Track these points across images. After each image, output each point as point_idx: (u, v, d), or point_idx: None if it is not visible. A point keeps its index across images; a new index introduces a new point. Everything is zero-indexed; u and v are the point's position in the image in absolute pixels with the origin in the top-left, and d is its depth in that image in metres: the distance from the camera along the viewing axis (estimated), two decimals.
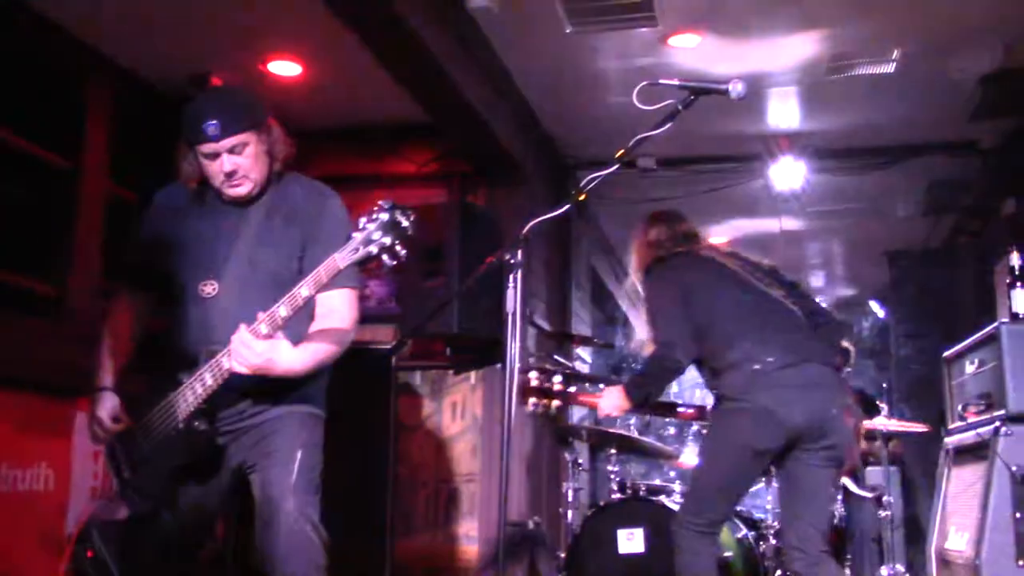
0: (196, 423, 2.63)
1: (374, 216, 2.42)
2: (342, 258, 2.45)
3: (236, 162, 2.68)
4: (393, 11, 4.11)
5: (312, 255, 2.67)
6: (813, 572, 3.16)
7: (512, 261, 2.70)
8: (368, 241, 2.41)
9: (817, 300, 3.56)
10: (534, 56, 5.33)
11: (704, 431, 3.74)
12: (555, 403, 3.43)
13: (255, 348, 2.49)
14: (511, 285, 2.69)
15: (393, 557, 4.21)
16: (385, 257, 2.42)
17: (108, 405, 2.75)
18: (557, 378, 3.41)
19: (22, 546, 3.83)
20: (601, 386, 3.47)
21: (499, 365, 5.18)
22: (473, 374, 5.86)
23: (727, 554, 4.27)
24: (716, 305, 3.34)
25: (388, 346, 4.53)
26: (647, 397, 3.40)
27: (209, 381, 2.59)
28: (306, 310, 2.69)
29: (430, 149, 6.16)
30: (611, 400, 3.40)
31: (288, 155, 2.83)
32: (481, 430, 5.88)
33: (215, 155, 2.67)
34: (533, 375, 3.39)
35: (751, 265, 3.47)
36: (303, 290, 2.50)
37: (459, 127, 5.44)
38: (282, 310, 2.51)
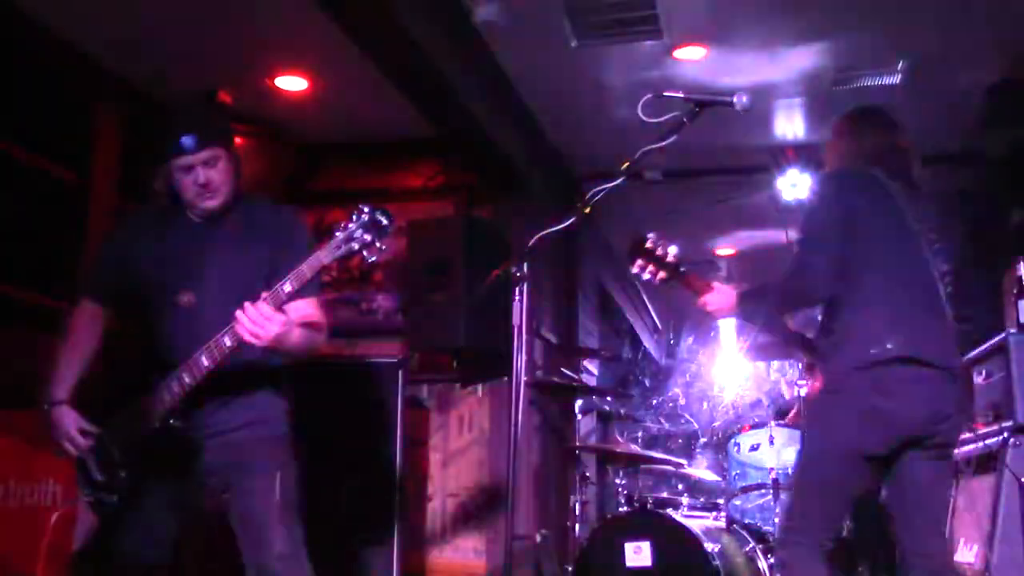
0: (172, 421, 2.72)
1: (355, 217, 2.53)
2: (326, 255, 2.54)
3: (209, 175, 2.81)
4: (398, 25, 4.13)
5: (286, 265, 2.73)
6: None
7: (518, 274, 2.72)
8: (350, 239, 2.52)
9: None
10: (540, 69, 5.34)
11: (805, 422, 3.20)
12: (661, 274, 3.08)
13: (276, 317, 2.56)
14: (517, 298, 2.71)
15: (400, 571, 4.20)
16: (366, 253, 2.53)
17: (71, 418, 2.85)
18: (673, 249, 3.05)
19: (30, 561, 3.83)
20: (715, 282, 3.09)
21: (506, 378, 5.18)
22: (480, 387, 5.86)
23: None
24: (873, 252, 2.87)
25: (395, 360, 4.53)
26: (755, 315, 3.07)
27: (187, 380, 2.68)
28: None
29: (436, 163, 6.18)
30: (719, 300, 3.04)
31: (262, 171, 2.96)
32: (488, 443, 5.87)
33: (190, 168, 2.79)
34: (651, 236, 3.04)
35: (934, 231, 2.98)
36: (286, 286, 2.58)
37: (465, 141, 5.46)
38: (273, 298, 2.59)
